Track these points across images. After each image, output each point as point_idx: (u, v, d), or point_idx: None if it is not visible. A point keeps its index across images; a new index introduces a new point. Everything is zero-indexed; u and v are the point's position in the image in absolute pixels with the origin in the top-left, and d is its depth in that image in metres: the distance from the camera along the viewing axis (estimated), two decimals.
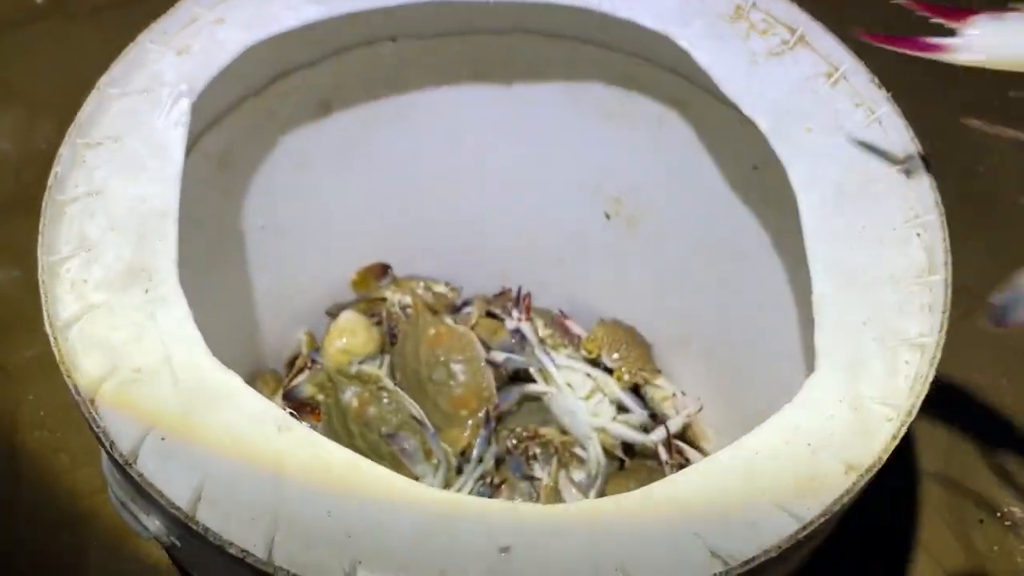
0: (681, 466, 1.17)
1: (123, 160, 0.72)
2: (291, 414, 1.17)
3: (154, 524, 0.61)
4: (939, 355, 0.64)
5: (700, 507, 0.58)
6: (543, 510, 0.58)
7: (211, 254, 0.98)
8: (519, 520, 0.58)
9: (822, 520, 0.58)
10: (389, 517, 0.57)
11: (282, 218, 1.06)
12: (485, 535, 0.57)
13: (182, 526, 0.56)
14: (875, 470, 0.60)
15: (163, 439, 0.59)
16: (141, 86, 0.75)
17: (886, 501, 1.19)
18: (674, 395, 1.23)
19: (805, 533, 0.57)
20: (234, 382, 0.62)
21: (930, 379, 0.64)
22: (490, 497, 1.13)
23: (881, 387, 0.64)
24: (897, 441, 0.61)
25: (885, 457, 0.60)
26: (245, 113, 0.91)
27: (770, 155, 0.78)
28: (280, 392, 1.15)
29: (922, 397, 0.63)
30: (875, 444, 0.61)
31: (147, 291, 0.66)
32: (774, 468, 0.60)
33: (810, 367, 0.74)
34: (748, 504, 0.58)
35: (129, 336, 0.63)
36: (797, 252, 0.91)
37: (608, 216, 1.16)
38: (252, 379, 1.16)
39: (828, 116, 0.78)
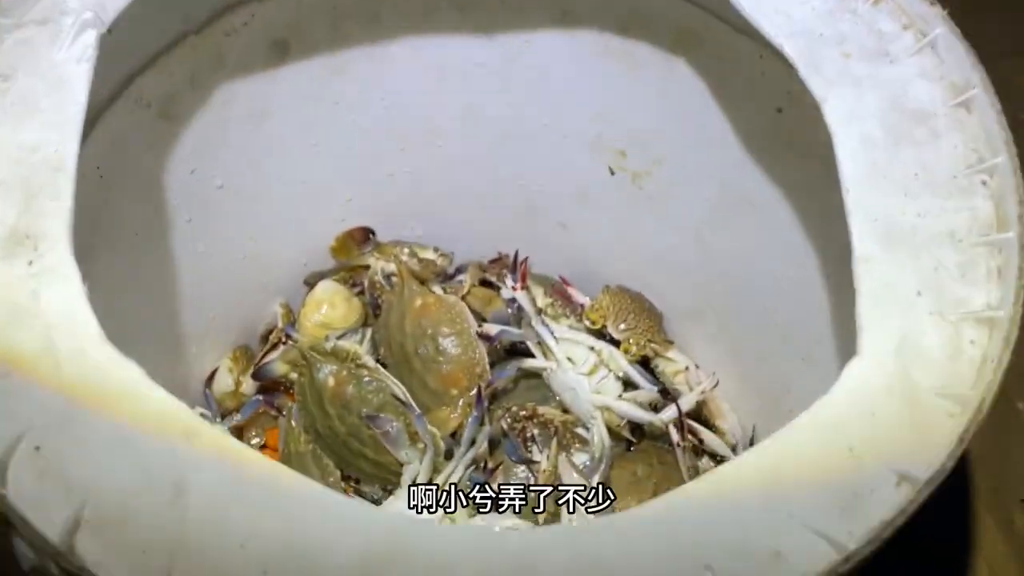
0: (695, 448, 1.04)
1: (13, 102, 0.58)
2: (262, 396, 1.06)
3: (32, 553, 0.49)
4: (1015, 333, 0.50)
5: (712, 530, 0.45)
6: (512, 537, 0.46)
7: (159, 219, 0.86)
8: (484, 548, 0.45)
9: (868, 549, 0.44)
10: (320, 549, 0.44)
11: (243, 177, 0.93)
12: (442, 569, 0.44)
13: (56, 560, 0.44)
14: (936, 483, 0.46)
15: (38, 448, 0.46)
16: (38, 16, 0.61)
17: None
18: (687, 369, 1.09)
19: (847, 567, 0.44)
20: (134, 375, 0.49)
21: (1004, 364, 0.50)
22: (483, 484, 1.01)
23: (940, 374, 0.50)
24: (964, 445, 0.47)
25: (950, 465, 0.46)
26: (187, 53, 0.78)
27: (799, 91, 0.64)
28: (251, 371, 1.03)
29: (996, 387, 0.49)
30: (935, 448, 0.47)
31: (31, 262, 0.53)
32: (807, 479, 0.47)
33: (847, 345, 0.61)
34: (774, 527, 0.45)
35: (5, 318, 0.51)
36: (832, 207, 0.77)
37: (612, 171, 1.02)
38: (221, 356, 1.04)
39: (870, 40, 0.63)
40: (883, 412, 0.49)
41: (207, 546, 0.44)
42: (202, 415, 0.97)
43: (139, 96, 0.76)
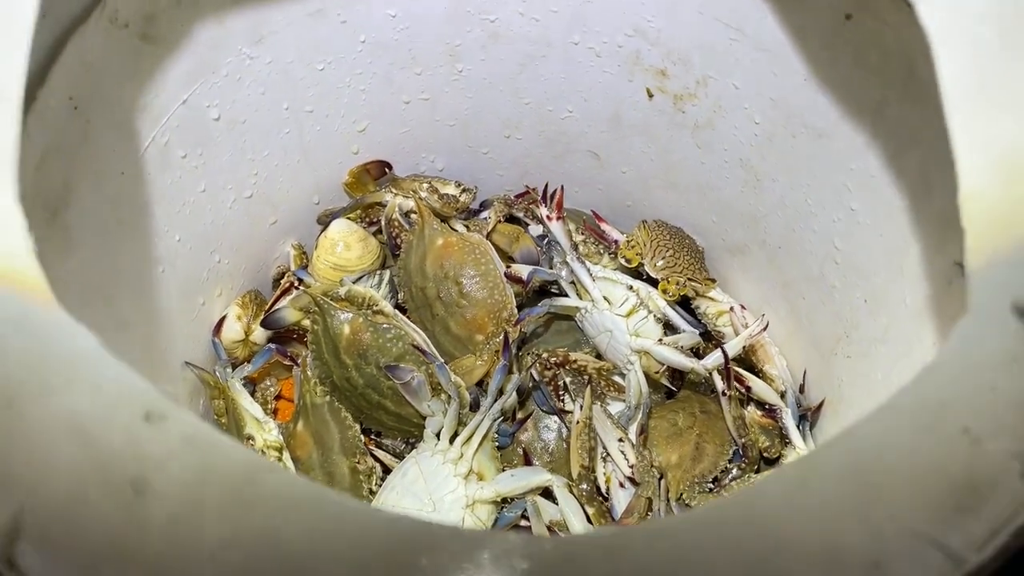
0: (741, 400, 0.94)
1: None
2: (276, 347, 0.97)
3: None
4: None
5: (795, 536, 0.36)
6: (534, 542, 0.37)
7: (148, 156, 0.76)
8: (501, 553, 0.36)
9: (992, 560, 0.35)
10: (310, 559, 0.36)
11: (243, 106, 0.83)
12: None
13: None
14: None
15: None
16: None
17: None
18: (731, 309, 0.98)
19: None
20: (86, 346, 0.40)
21: None
22: (511, 436, 0.93)
23: None
24: None
25: None
26: None
27: None
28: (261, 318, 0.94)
29: None
30: None
31: None
32: (911, 471, 0.37)
33: (921, 288, 0.50)
34: (872, 532, 0.36)
35: None
36: (910, 131, 0.66)
37: (650, 94, 0.90)
38: (230, 303, 0.95)
39: None
40: (1006, 386, 0.38)
41: (172, 557, 0.35)
42: (216, 372, 0.90)
43: (114, 15, 0.66)
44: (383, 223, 0.98)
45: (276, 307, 0.92)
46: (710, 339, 1.01)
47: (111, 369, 0.39)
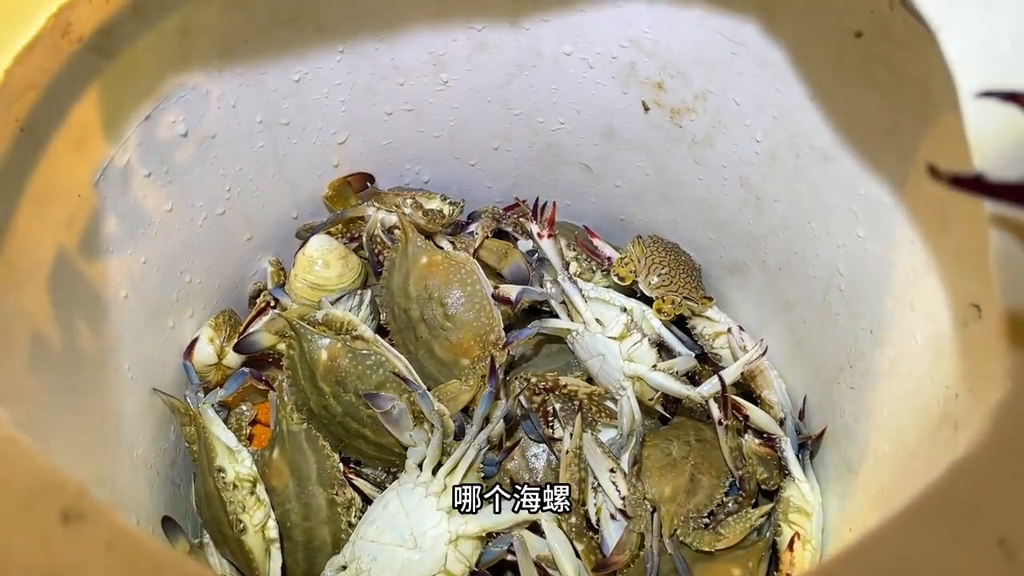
0: (739, 429, 0.89)
1: None
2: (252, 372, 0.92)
3: None
4: None
5: None
6: None
7: (106, 178, 0.70)
8: None
9: None
10: None
11: (212, 120, 0.77)
12: None
13: None
14: None
15: None
16: None
17: None
18: (729, 331, 0.93)
19: None
20: None
21: None
22: (498, 465, 0.88)
23: None
24: None
25: None
26: None
27: (884, 12, 0.47)
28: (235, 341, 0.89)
29: None
30: None
31: None
32: None
33: (930, 324, 0.45)
34: None
35: None
36: (922, 156, 0.61)
37: (646, 107, 0.85)
38: (200, 324, 0.90)
39: None
40: None
41: None
42: (186, 397, 0.85)
43: (65, 28, 0.60)
44: (364, 239, 0.93)
45: (250, 330, 0.86)
46: (706, 361, 0.96)
47: (26, 461, 0.34)
